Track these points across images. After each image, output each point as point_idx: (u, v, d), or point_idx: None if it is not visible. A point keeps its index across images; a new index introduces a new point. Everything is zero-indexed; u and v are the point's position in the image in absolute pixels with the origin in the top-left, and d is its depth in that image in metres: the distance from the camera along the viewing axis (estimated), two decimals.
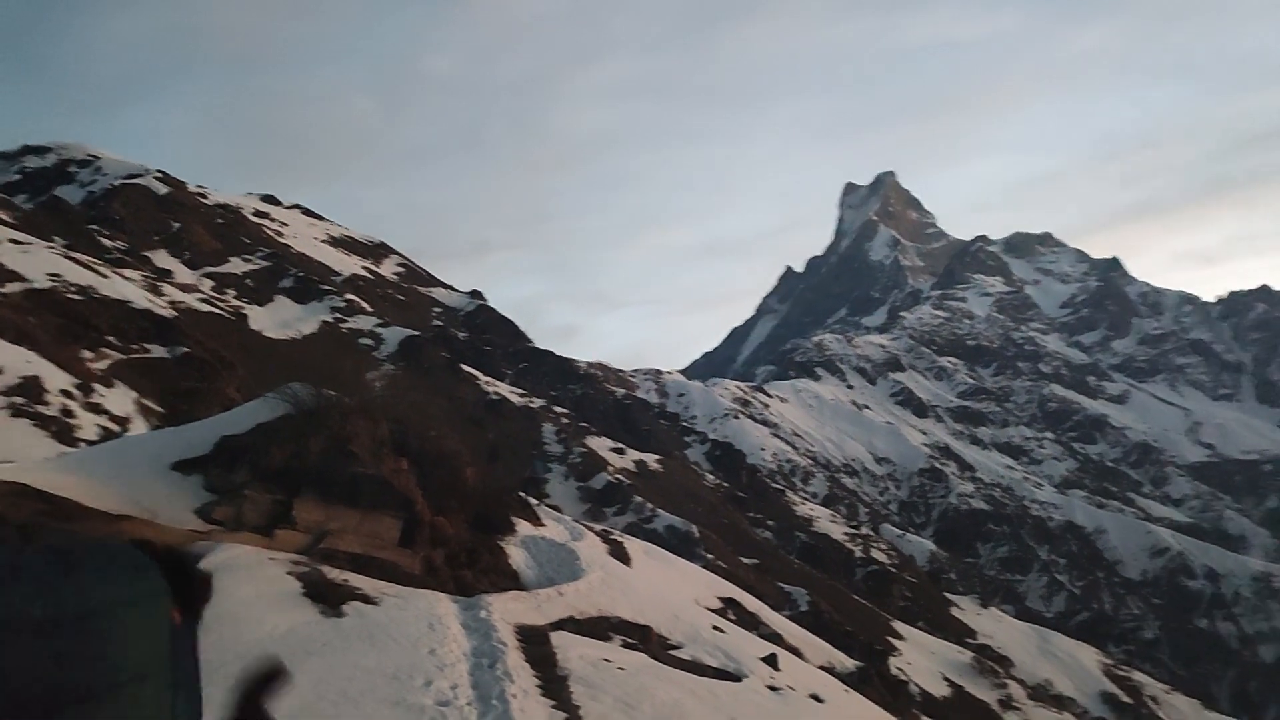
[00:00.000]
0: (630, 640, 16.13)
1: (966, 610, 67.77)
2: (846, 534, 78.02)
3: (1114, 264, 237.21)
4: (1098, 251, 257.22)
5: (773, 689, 15.66)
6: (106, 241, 59.24)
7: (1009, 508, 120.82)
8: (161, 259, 63.52)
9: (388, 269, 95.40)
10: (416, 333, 70.80)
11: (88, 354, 34.26)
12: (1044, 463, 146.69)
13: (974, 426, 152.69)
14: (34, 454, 20.85)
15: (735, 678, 15.61)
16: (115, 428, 27.71)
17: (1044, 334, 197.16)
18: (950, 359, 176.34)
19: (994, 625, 64.43)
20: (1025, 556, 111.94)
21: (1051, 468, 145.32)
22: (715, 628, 19.75)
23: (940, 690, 42.03)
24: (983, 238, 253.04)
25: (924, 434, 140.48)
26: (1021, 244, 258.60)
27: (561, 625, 15.27)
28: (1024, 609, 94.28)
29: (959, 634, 59.93)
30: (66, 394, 27.48)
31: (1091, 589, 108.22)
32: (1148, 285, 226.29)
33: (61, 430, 25.20)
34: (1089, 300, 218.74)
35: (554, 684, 11.57)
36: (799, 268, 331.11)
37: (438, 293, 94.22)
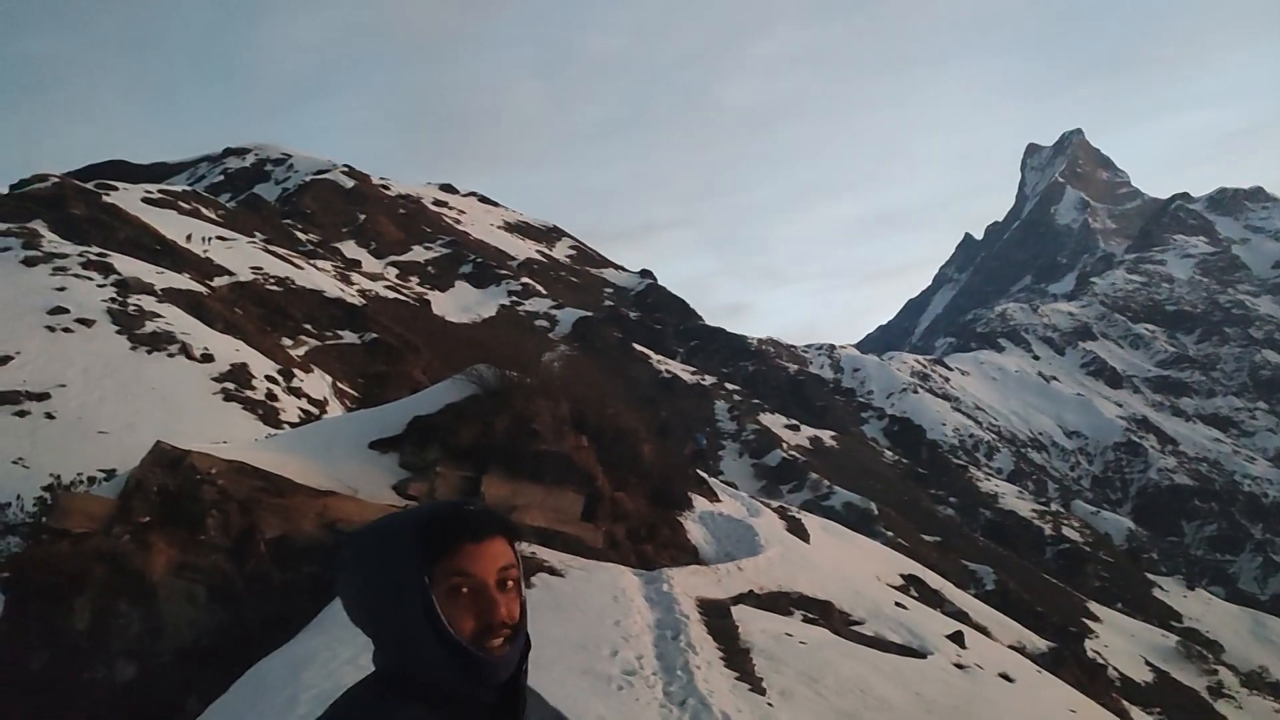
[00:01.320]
0: (811, 615, 15.99)
1: (1170, 592, 63.74)
2: (1035, 511, 74.75)
3: None
4: None
5: (959, 667, 15.20)
6: (300, 234, 63.18)
7: (1217, 483, 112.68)
8: (350, 249, 67.29)
9: (560, 251, 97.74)
10: (589, 313, 72.26)
11: (287, 341, 36.74)
12: (1256, 435, 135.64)
13: (1176, 397, 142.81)
14: (245, 435, 22.52)
15: (920, 654, 15.24)
16: (314, 410, 29.56)
17: (1255, 296, 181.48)
18: (1147, 326, 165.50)
19: (1202, 608, 60.36)
20: (1236, 535, 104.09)
21: (1266, 440, 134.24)
22: (898, 604, 19.34)
23: (1142, 675, 39.76)
24: (1183, 195, 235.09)
25: (1119, 406, 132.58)
26: (1228, 200, 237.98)
27: (742, 599, 15.29)
28: (1235, 591, 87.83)
29: (1162, 616, 56.49)
30: (271, 379, 29.48)
31: None
32: None
33: (268, 413, 27.07)
34: None
35: (736, 656, 11.62)
36: (979, 235, 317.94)
37: (609, 273, 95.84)
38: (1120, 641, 43.60)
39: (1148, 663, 41.80)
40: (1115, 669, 37.48)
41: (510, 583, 1.65)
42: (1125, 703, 28.00)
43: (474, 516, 1.64)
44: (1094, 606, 49.85)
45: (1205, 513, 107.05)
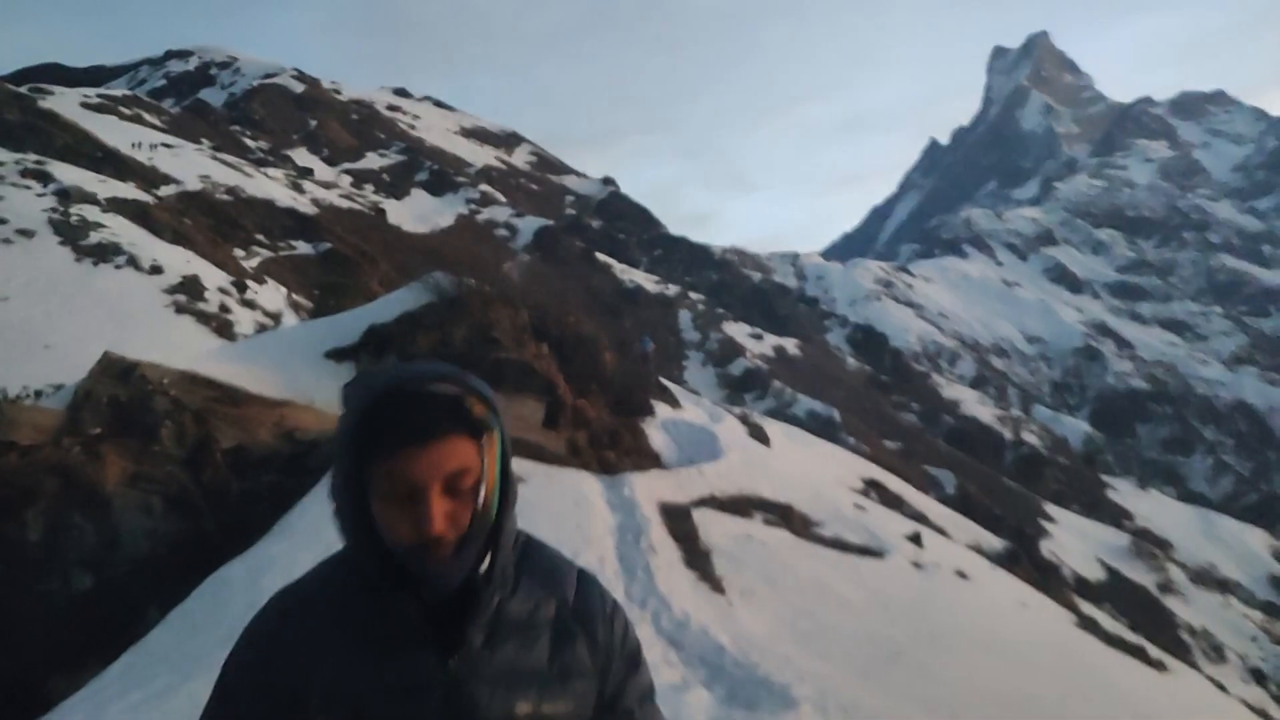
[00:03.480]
0: (771, 518, 16.08)
1: (1123, 492, 65.46)
2: (996, 416, 76.07)
3: None
4: None
5: (916, 565, 15.43)
6: (249, 142, 61.43)
7: (1171, 386, 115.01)
8: (301, 157, 65.56)
9: (520, 158, 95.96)
10: (550, 222, 71.29)
11: (239, 252, 35.91)
12: (1211, 338, 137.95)
13: (1134, 302, 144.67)
14: (198, 348, 22.05)
15: (878, 554, 15.42)
16: (269, 322, 29.01)
17: (1213, 200, 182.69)
18: (1108, 231, 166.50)
19: (1153, 508, 62.07)
20: (1189, 437, 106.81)
21: (1220, 343, 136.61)
22: (857, 506, 19.54)
23: (1095, 573, 40.93)
24: (1146, 99, 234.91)
25: (1079, 311, 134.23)
26: (1190, 104, 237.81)
27: (703, 503, 15.32)
28: (1186, 491, 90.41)
29: (1115, 517, 58.05)
30: (224, 291, 28.85)
31: (1262, 470, 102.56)
32: None
33: (221, 326, 26.54)
34: (1267, 161, 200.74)
35: (697, 557, 11.66)
36: (944, 140, 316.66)
37: (570, 181, 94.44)
38: (1074, 541, 44.76)
39: (1100, 561, 43.02)
40: (1069, 567, 38.51)
41: (464, 488, 1.40)
42: (1077, 598, 28.81)
43: (424, 413, 1.37)
44: (1050, 508, 51.07)
45: (1159, 415, 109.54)
